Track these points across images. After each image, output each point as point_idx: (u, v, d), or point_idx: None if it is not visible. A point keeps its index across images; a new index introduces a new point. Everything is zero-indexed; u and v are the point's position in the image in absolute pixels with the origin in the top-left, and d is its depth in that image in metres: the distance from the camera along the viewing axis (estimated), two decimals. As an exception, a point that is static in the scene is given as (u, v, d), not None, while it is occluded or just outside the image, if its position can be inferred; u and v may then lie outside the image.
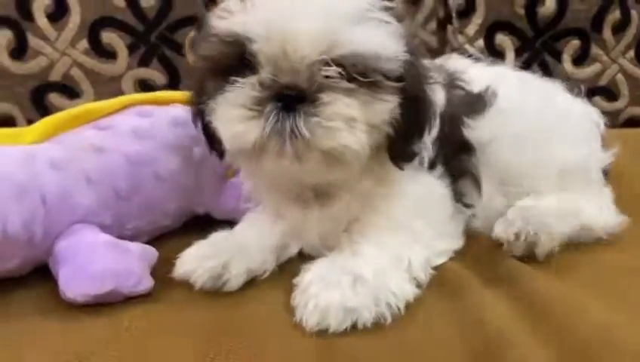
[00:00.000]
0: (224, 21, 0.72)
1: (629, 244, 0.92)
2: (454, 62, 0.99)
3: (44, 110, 1.38)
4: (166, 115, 0.91)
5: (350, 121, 0.72)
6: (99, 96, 1.39)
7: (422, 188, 0.84)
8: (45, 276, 0.81)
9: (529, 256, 0.86)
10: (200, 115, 0.80)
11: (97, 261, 0.74)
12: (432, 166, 0.85)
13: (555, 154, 0.94)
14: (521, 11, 1.47)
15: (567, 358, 0.66)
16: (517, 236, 0.86)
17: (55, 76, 1.38)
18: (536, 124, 0.94)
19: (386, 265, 0.75)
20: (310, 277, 0.74)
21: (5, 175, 0.74)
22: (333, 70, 0.70)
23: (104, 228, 0.82)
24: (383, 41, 0.72)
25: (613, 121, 1.56)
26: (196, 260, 0.79)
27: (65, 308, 0.75)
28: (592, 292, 0.77)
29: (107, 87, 1.40)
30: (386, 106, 0.75)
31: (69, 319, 0.74)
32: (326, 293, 0.70)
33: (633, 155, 1.14)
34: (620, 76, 1.53)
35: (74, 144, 0.82)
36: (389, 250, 0.77)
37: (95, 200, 0.81)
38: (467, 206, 0.91)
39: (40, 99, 1.38)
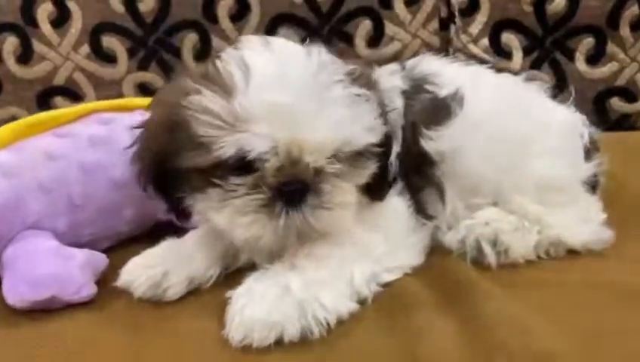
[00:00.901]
0: (217, 132, 0.69)
1: (610, 258, 0.86)
2: (428, 62, 0.95)
3: (49, 113, 1.43)
4: (127, 121, 0.91)
5: (348, 204, 0.75)
6: (101, 99, 1.41)
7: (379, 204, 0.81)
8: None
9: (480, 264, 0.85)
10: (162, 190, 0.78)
11: (37, 267, 0.75)
12: (392, 180, 0.83)
13: (531, 167, 0.88)
14: (529, 9, 1.39)
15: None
16: (461, 244, 0.85)
17: (59, 80, 1.42)
18: (508, 134, 0.88)
19: (321, 278, 0.73)
20: (240, 290, 0.72)
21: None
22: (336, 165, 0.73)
23: (58, 235, 0.83)
24: (371, 125, 0.74)
25: (634, 123, 1.46)
26: (138, 269, 0.79)
27: (9, 314, 0.77)
28: (545, 315, 0.72)
29: (108, 91, 1.43)
30: (371, 168, 0.77)
31: (11, 325, 0.75)
32: (250, 308, 0.69)
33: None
34: (639, 75, 1.43)
35: (29, 151, 0.84)
36: (331, 263, 0.75)
37: (47, 207, 0.82)
38: (429, 218, 0.87)
39: (45, 102, 1.43)
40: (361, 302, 0.75)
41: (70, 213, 0.84)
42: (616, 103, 1.44)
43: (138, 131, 0.80)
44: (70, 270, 0.76)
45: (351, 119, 0.72)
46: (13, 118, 1.42)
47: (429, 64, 0.94)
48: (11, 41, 1.40)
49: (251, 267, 0.82)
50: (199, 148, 0.70)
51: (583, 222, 0.88)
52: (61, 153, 0.85)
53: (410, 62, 0.95)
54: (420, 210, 0.86)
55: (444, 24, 1.45)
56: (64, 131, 0.88)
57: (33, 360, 0.70)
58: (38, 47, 1.40)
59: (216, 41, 1.42)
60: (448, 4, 1.43)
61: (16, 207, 0.80)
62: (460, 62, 1.00)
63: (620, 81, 1.44)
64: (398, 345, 0.68)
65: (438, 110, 0.87)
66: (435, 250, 0.87)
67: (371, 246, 0.79)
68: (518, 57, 1.42)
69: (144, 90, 1.43)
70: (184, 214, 0.80)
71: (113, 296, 0.80)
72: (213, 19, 1.41)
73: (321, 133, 0.70)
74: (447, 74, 0.91)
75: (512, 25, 1.42)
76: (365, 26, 1.43)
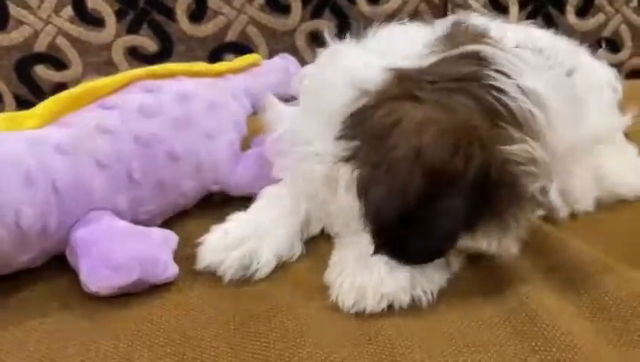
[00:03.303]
0: (540, 183, 0.65)
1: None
2: (473, 19, 0.93)
3: (31, 83, 1.31)
4: (173, 88, 0.86)
5: None
6: (88, 67, 1.32)
7: None
8: (62, 266, 0.77)
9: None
10: None
11: (120, 250, 0.70)
12: None
13: (586, 120, 0.91)
14: (525, -38, 1.42)
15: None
16: None
17: (40, 47, 1.30)
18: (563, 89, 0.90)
19: None
20: (346, 257, 0.71)
21: (12, 165, 0.68)
22: None
23: (119, 214, 0.77)
24: None
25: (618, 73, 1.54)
26: (221, 250, 0.74)
27: (88, 301, 0.71)
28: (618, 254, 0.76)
29: (96, 57, 1.33)
30: None
31: (96, 312, 0.70)
32: (362, 274, 0.68)
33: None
34: (623, 27, 1.50)
35: (80, 126, 0.77)
36: None
37: (108, 185, 0.76)
38: None
39: (26, 71, 1.31)
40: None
41: (130, 189, 0.78)
42: (603, 54, 1.50)
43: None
44: (152, 250, 0.72)
45: None
46: (-10, 90, 1.31)
47: (475, 21, 0.92)
48: (-17, 6, 1.26)
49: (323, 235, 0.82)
50: (519, 201, 0.65)
51: (632, 171, 0.92)
52: (114, 126, 0.78)
53: (452, 19, 0.94)
54: None
55: (443, -21, 1.45)
56: (111, 102, 0.80)
57: (135, 348, 0.65)
58: (14, 10, 1.28)
59: (211, 0, 1.35)
60: (447, -41, 1.43)
61: (78, 186, 0.73)
62: (497, 20, 1.00)
63: (606, 33, 1.50)
64: (505, 301, 0.70)
65: None
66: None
67: None
68: (514, 11, 1.45)
69: (135, 54, 1.34)
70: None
71: (190, 273, 0.76)
72: (209, -24, 1.34)
73: None
74: (496, 30, 0.90)
75: (508, -22, 1.44)
76: (365, -18, 1.40)
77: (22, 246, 0.70)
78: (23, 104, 1.32)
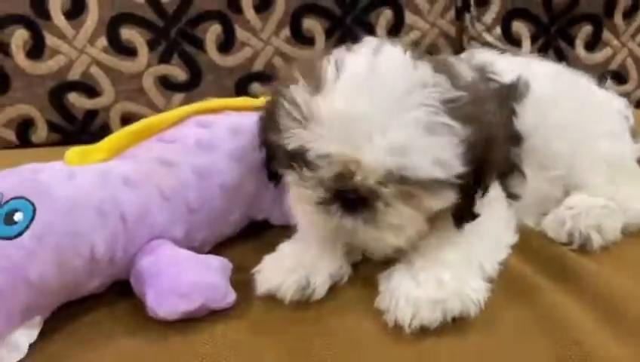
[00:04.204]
0: (290, 123, 0.74)
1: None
2: (480, 54, 0.99)
3: (63, 110, 1.36)
4: (225, 123, 0.90)
5: (401, 228, 0.76)
6: (120, 94, 1.37)
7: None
8: (120, 290, 0.81)
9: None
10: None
11: (185, 277, 0.74)
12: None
13: (600, 147, 0.96)
14: (538, -2, 1.49)
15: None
16: (569, 236, 0.90)
17: (74, 75, 1.35)
18: (572, 116, 0.95)
19: (462, 266, 0.78)
20: (395, 282, 0.76)
21: (86, 198, 0.73)
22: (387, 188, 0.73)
23: (175, 242, 0.82)
24: (443, 160, 0.71)
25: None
26: (278, 275, 0.79)
27: (150, 325, 0.75)
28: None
29: (128, 85, 1.38)
30: (447, 199, 0.76)
31: (159, 336, 0.74)
32: (414, 289, 0.74)
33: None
34: (629, 60, 1.58)
35: (144, 159, 0.81)
36: (462, 249, 0.79)
37: (169, 215, 0.81)
38: (515, 197, 0.91)
39: (59, 99, 1.35)
40: (490, 281, 0.79)
41: (187, 219, 0.83)
42: (610, 86, 1.57)
43: None
44: (213, 277, 0.76)
45: (418, 148, 0.70)
46: (25, 117, 1.35)
47: (482, 55, 0.97)
48: (21, 34, 1.31)
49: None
50: (279, 130, 0.75)
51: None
52: (175, 159, 0.83)
53: (463, 56, 1.00)
54: (507, 192, 0.89)
55: (460, 13, 1.51)
56: (169, 136, 0.85)
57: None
58: (50, 40, 1.32)
59: (240, 32, 1.40)
60: (464, -6, 1.50)
61: (142, 217, 0.78)
62: (509, 54, 1.06)
63: (613, 66, 1.57)
64: (550, 328, 0.74)
65: (511, 93, 0.90)
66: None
67: (487, 227, 0.83)
68: (526, 44, 1.52)
69: (166, 84, 1.39)
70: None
71: (245, 299, 0.80)
72: (238, 9, 1.39)
73: (373, 155, 0.70)
74: (502, 63, 0.95)
75: (522, 14, 1.51)
76: (386, 15, 1.46)
77: (93, 274, 0.74)
78: (56, 130, 1.37)
